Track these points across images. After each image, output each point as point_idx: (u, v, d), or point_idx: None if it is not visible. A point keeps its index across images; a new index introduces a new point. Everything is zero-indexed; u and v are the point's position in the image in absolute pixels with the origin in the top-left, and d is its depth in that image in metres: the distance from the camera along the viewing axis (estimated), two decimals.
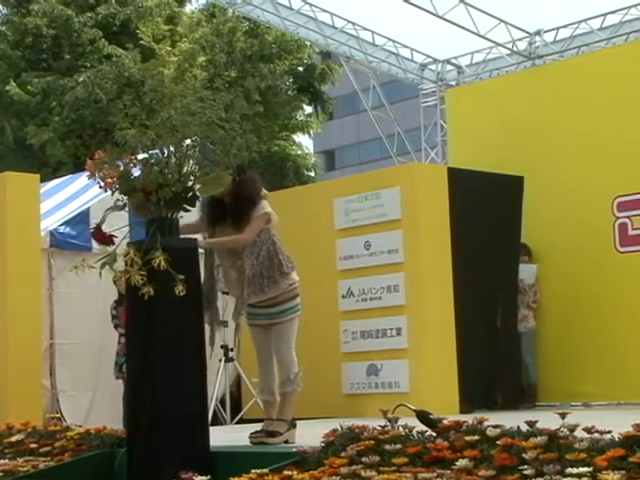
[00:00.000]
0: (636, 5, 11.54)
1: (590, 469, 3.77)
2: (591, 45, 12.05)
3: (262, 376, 6.44)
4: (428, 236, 9.49)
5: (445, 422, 4.70)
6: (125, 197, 5.60)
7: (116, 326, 9.21)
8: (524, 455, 4.05)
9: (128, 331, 5.85)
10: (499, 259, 10.13)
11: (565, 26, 12.19)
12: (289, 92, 22.27)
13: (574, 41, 12.27)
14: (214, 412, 9.58)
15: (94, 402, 10.21)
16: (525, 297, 10.66)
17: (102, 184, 5.56)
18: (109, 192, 5.66)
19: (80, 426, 6.75)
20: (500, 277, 10.17)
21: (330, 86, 23.47)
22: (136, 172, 5.63)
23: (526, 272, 10.64)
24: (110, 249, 5.56)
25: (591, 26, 12.07)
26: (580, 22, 12.05)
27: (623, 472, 3.68)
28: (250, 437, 6.10)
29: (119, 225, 5.76)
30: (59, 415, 9.41)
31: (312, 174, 24.91)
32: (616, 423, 4.33)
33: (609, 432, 4.11)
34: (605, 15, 11.83)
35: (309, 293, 10.23)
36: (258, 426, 6.29)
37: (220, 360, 9.79)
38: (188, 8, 24.45)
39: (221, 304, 9.84)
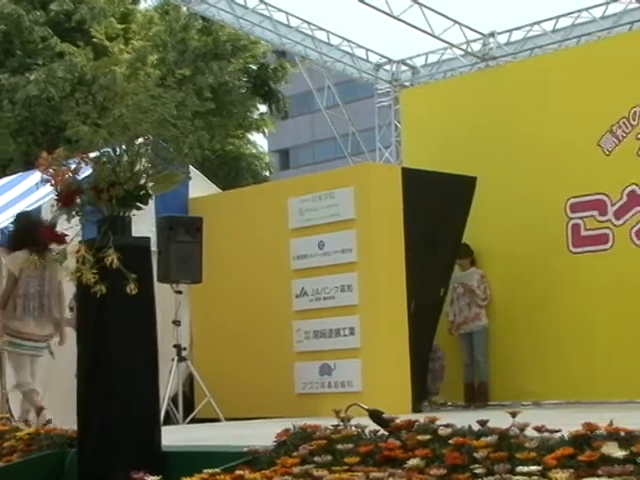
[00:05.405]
0: (587, 8, 11.66)
1: (540, 468, 3.79)
2: (544, 47, 12.15)
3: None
4: (382, 236, 9.51)
5: (397, 421, 4.71)
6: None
7: None
8: (475, 454, 4.07)
9: (79, 330, 5.80)
10: (447, 258, 10.21)
11: (518, 28, 12.28)
12: (242, 90, 22.23)
13: (527, 43, 12.37)
14: (166, 412, 9.53)
15: (44, 402, 10.09)
16: (473, 296, 10.75)
17: (53, 182, 5.52)
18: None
19: (30, 425, 6.68)
20: (446, 277, 10.27)
21: (285, 85, 23.47)
22: (86, 171, 5.59)
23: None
24: (62, 247, 5.53)
25: (544, 28, 12.17)
26: (533, 24, 12.14)
27: (572, 470, 3.71)
28: None
29: (69, 224, 5.70)
30: (8, 415, 9.30)
31: (266, 173, 24.90)
32: (566, 422, 4.37)
33: (558, 431, 4.15)
34: (557, 18, 11.94)
35: (262, 292, 10.31)
36: (211, 425, 6.29)
37: (173, 359, 9.74)
38: (142, 6, 24.36)
39: (174, 302, 9.88)
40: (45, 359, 9.75)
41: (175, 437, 6.35)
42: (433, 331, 10.11)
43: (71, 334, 9.12)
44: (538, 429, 4.21)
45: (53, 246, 6.91)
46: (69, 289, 7.92)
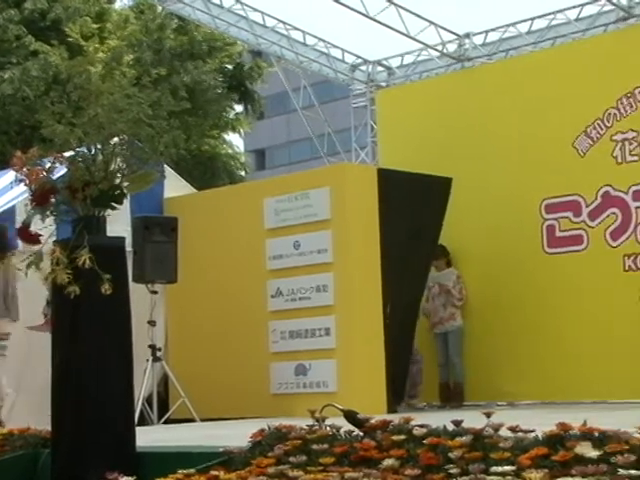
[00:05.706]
0: (562, 10, 11.71)
1: (514, 468, 3.80)
2: (519, 48, 12.19)
3: None
4: (357, 236, 9.52)
5: (372, 422, 4.71)
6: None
7: None
8: (450, 454, 4.07)
9: (53, 331, 5.77)
10: (424, 259, 10.22)
11: (494, 29, 12.33)
12: (218, 90, 22.20)
13: (502, 44, 12.41)
14: (141, 412, 9.49)
15: (17, 403, 10.05)
16: (449, 296, 10.78)
17: (27, 181, 5.49)
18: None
19: (3, 426, 6.63)
20: (422, 277, 10.27)
21: (261, 85, 23.46)
22: (60, 171, 5.56)
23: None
24: (36, 248, 5.49)
25: (519, 30, 12.21)
26: (508, 26, 12.19)
27: (546, 470, 3.72)
28: None
29: (44, 224, 5.67)
30: None
31: (242, 173, 24.88)
32: (540, 422, 4.38)
33: (533, 431, 4.16)
34: (533, 19, 11.98)
35: (238, 293, 10.29)
36: (186, 426, 6.27)
37: (147, 360, 9.71)
38: (117, 5, 24.30)
39: (150, 303, 9.85)
40: (18, 360, 9.73)
41: (150, 437, 6.33)
42: (411, 332, 10.11)
43: (45, 335, 9.08)
44: (512, 429, 4.22)
45: (23, 247, 6.92)
46: (42, 293, 7.84)
